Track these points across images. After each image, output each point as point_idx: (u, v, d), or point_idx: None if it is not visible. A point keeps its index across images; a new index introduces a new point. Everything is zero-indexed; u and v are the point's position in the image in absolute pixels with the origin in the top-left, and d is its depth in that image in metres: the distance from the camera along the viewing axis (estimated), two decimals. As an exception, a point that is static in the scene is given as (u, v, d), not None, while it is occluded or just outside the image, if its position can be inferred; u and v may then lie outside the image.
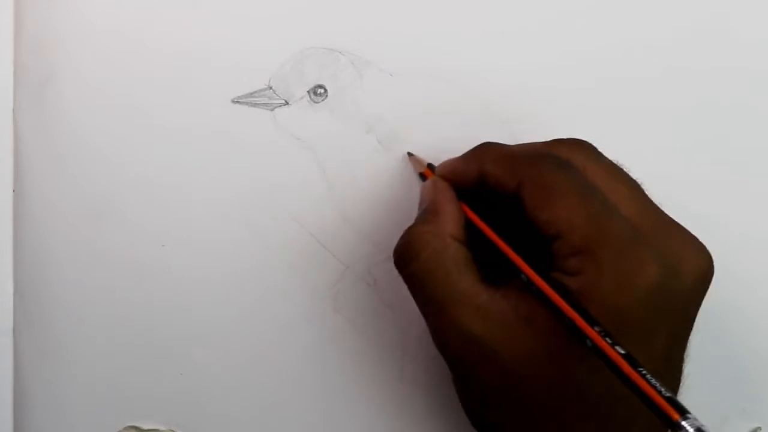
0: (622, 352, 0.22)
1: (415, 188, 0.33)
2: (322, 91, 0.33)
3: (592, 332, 0.23)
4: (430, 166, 0.31)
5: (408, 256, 0.27)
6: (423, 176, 0.31)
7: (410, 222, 0.33)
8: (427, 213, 0.28)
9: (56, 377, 0.34)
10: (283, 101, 0.33)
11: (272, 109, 0.33)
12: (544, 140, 0.28)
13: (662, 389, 0.21)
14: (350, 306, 0.34)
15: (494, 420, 0.27)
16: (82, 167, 0.33)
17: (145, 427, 0.34)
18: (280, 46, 0.33)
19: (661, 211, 0.27)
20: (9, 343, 0.34)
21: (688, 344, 0.27)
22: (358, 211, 0.33)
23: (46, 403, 0.34)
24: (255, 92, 0.33)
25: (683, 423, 0.20)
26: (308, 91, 0.33)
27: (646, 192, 0.27)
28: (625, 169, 0.27)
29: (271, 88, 0.33)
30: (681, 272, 0.25)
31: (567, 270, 0.25)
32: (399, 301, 0.33)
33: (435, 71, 0.33)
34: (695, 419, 0.20)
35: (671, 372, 0.26)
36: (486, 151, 0.28)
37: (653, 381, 0.21)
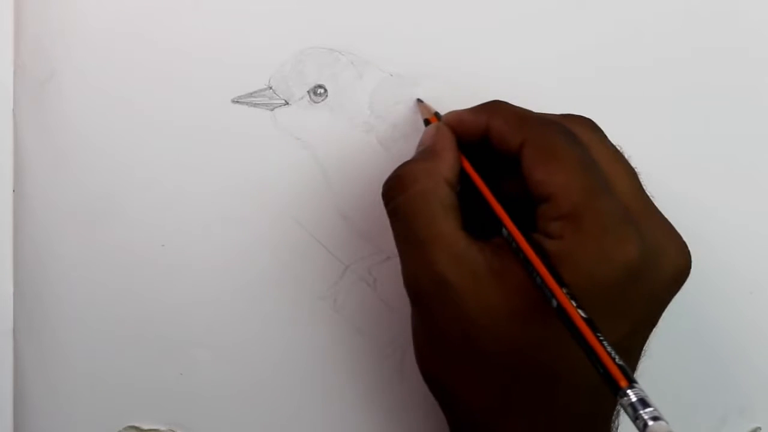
0: (585, 316, 0.22)
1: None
2: (322, 91, 0.33)
3: (560, 292, 0.23)
4: (436, 114, 0.31)
5: (396, 189, 0.27)
6: (427, 122, 0.31)
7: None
8: (425, 153, 0.28)
9: (56, 377, 0.34)
10: (283, 101, 0.33)
11: (272, 109, 0.33)
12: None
13: (616, 357, 0.21)
14: (350, 306, 0.34)
15: (443, 365, 0.27)
16: (83, 167, 0.33)
17: (145, 427, 0.34)
18: (280, 46, 0.33)
19: (652, 203, 0.27)
20: (9, 343, 0.34)
21: (647, 343, 0.27)
22: (358, 211, 0.33)
23: (46, 403, 0.34)
24: (255, 92, 0.33)
25: (629, 391, 0.20)
26: (308, 91, 0.33)
27: (642, 182, 0.27)
28: (626, 157, 0.28)
29: (271, 88, 0.33)
30: (660, 264, 0.26)
31: (549, 232, 0.25)
32: (399, 301, 0.33)
33: (435, 71, 0.33)
34: (641, 390, 0.20)
35: (625, 360, 0.26)
36: (496, 107, 0.28)
37: (609, 348, 0.21)
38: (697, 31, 0.34)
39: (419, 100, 0.33)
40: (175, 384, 0.34)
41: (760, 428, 0.35)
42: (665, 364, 0.30)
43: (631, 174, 0.27)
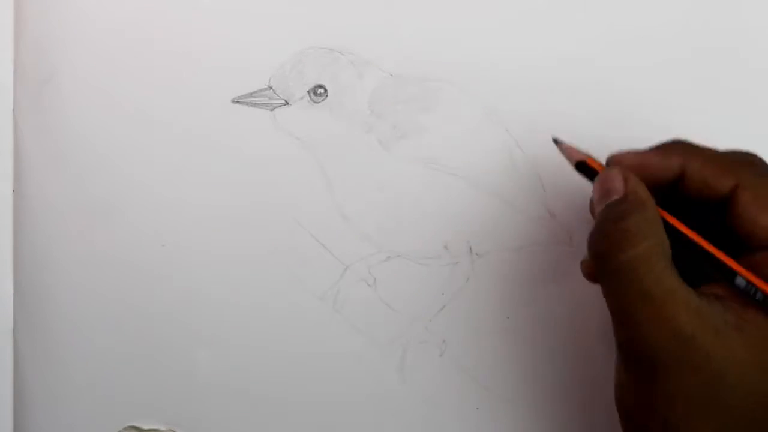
0: None
1: (416, 188, 0.33)
2: (322, 91, 0.33)
3: None
4: (590, 157, 0.29)
5: (621, 243, 0.25)
6: (583, 165, 0.28)
7: (413, 222, 0.33)
8: (634, 203, 0.26)
9: (56, 377, 0.34)
10: (283, 101, 0.33)
11: (272, 109, 0.33)
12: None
13: None
14: (350, 306, 0.34)
15: (685, 426, 0.26)
16: (82, 167, 0.33)
17: (145, 427, 0.34)
18: (280, 46, 0.33)
19: None
20: (9, 343, 0.34)
21: None
22: (358, 211, 0.33)
23: (46, 403, 0.34)
24: (255, 92, 0.33)
25: None
26: (308, 91, 0.33)
27: None
28: None
29: (271, 88, 0.33)
30: None
31: None
32: (399, 301, 0.33)
33: (435, 71, 0.33)
34: None
35: None
36: (690, 148, 0.27)
37: None
38: (697, 31, 0.34)
39: (558, 141, 0.30)
40: (175, 384, 0.34)
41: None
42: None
43: None
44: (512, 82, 0.34)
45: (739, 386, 0.24)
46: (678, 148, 0.27)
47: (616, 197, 0.27)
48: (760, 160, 0.27)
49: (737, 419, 0.25)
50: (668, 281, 0.25)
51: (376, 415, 0.34)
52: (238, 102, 0.33)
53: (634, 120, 0.34)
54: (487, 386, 0.33)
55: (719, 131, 0.34)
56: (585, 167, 0.28)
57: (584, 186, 0.34)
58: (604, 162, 0.28)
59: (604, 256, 0.26)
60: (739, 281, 0.25)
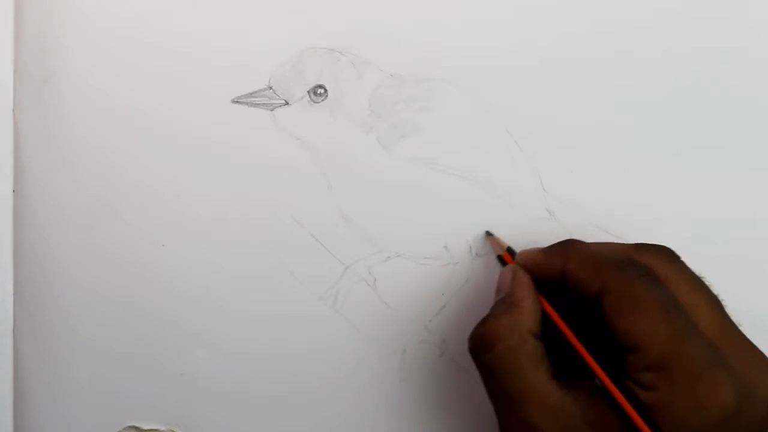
0: None
1: (416, 188, 0.33)
2: (322, 91, 0.33)
3: None
4: (509, 250, 0.31)
5: (482, 347, 0.27)
6: (501, 259, 0.31)
7: (413, 222, 0.33)
8: (505, 305, 0.28)
9: (56, 377, 0.34)
10: (283, 101, 0.33)
11: (272, 109, 0.33)
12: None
13: None
14: (350, 306, 0.34)
15: None
16: (82, 167, 0.33)
17: (145, 427, 0.34)
18: (280, 46, 0.33)
19: (741, 333, 0.27)
20: (9, 344, 0.34)
21: None
22: (358, 211, 0.33)
23: (46, 403, 0.34)
24: (255, 92, 0.33)
25: None
26: (308, 91, 0.33)
27: (725, 310, 0.27)
28: (707, 284, 0.27)
29: (271, 88, 0.33)
30: (755, 399, 0.25)
31: (640, 382, 0.25)
32: (399, 301, 0.33)
33: (435, 71, 0.33)
34: None
35: None
36: (571, 249, 0.28)
37: None
38: (698, 28, 0.34)
39: (489, 233, 0.33)
40: (175, 384, 0.34)
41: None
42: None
43: (715, 304, 0.27)
44: (512, 82, 0.34)
45: None
46: (563, 247, 0.28)
47: (500, 296, 0.29)
48: (654, 257, 0.27)
49: None
50: (526, 381, 0.26)
51: (376, 414, 0.34)
52: (238, 102, 0.33)
53: (634, 120, 0.34)
54: (487, 386, 0.33)
55: (719, 131, 0.34)
56: (503, 261, 0.31)
57: (584, 186, 0.34)
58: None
59: (474, 355, 0.28)
60: (598, 381, 0.26)
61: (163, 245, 0.33)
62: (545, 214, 0.33)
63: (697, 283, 0.27)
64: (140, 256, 0.33)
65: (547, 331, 0.28)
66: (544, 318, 0.28)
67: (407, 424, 0.34)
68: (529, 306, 0.28)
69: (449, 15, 0.33)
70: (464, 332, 0.33)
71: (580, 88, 0.34)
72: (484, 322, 0.28)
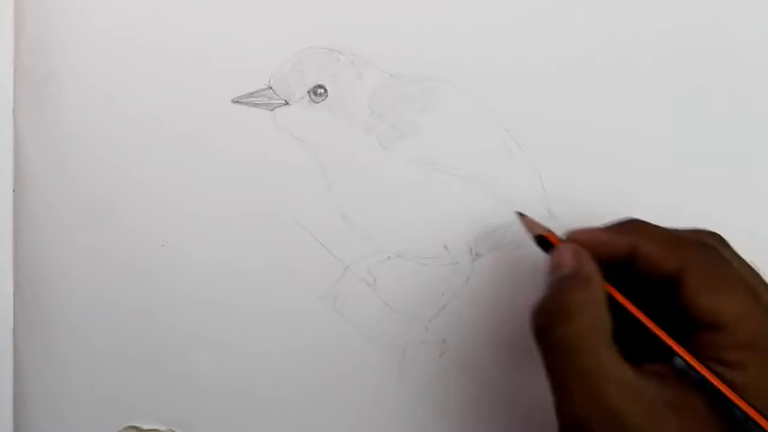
0: None
1: (416, 188, 0.33)
2: (322, 91, 0.33)
3: (766, 423, 0.23)
4: (548, 230, 0.30)
5: (560, 319, 0.26)
6: (541, 239, 0.29)
7: (413, 222, 0.33)
8: (575, 279, 0.27)
9: (56, 377, 0.34)
10: (283, 101, 0.33)
11: (272, 109, 0.33)
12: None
13: None
14: (350, 306, 0.34)
15: None
16: (82, 167, 0.33)
17: (145, 427, 0.34)
18: (280, 46, 0.33)
19: None
20: (9, 343, 0.34)
21: None
22: (358, 211, 0.33)
23: (46, 403, 0.34)
24: (255, 92, 0.33)
25: None
26: (308, 91, 0.33)
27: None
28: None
29: (271, 88, 0.33)
30: None
31: (725, 362, 0.24)
32: (399, 301, 0.33)
33: (435, 71, 0.33)
34: None
35: None
36: (642, 228, 0.28)
37: None
38: (699, 31, 0.34)
39: (522, 215, 0.31)
40: (175, 384, 0.34)
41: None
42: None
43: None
44: (512, 82, 0.34)
45: None
46: (630, 227, 0.28)
47: (564, 272, 0.27)
48: (715, 240, 0.27)
49: None
50: (602, 357, 0.25)
51: (376, 414, 0.34)
52: (238, 102, 0.33)
53: (634, 120, 0.34)
54: (487, 386, 0.33)
55: (719, 131, 0.34)
56: (544, 241, 0.29)
57: (584, 186, 0.34)
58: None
59: (542, 331, 0.26)
60: (677, 361, 0.25)
61: (163, 245, 0.33)
62: (545, 214, 0.33)
63: (752, 266, 0.27)
64: (140, 256, 0.33)
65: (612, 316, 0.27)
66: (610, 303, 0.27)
67: (407, 424, 0.34)
68: (599, 283, 0.27)
69: (449, 15, 0.33)
70: (464, 332, 0.33)
71: (580, 88, 0.34)
72: (552, 298, 0.27)
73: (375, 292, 0.34)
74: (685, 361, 0.25)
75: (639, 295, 0.27)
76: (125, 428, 0.34)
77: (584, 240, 0.28)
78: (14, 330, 0.34)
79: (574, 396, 0.26)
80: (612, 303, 0.27)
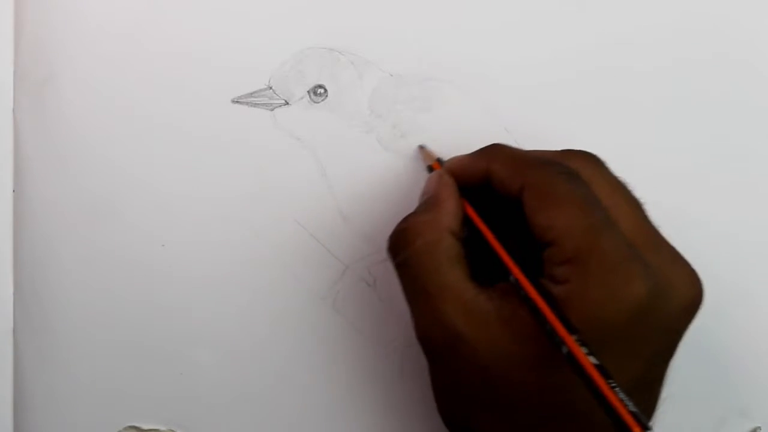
0: (596, 362, 0.22)
1: (416, 188, 0.33)
2: (322, 91, 0.33)
3: (569, 339, 0.23)
4: (439, 160, 0.31)
5: (401, 244, 0.27)
6: (431, 169, 0.31)
7: (410, 222, 0.33)
8: (427, 204, 0.28)
9: (56, 377, 0.34)
10: (283, 101, 0.33)
11: (272, 109, 0.33)
12: (552, 148, 0.28)
13: (629, 403, 0.21)
14: (350, 306, 0.34)
15: (464, 413, 0.27)
16: (82, 167, 0.33)
17: (145, 427, 0.34)
18: (280, 46, 0.33)
19: (659, 234, 0.27)
20: (9, 343, 0.34)
21: (667, 370, 0.27)
22: (358, 211, 0.33)
23: (46, 403, 0.34)
24: (255, 92, 0.33)
25: None
26: (308, 91, 0.33)
27: (647, 212, 0.27)
28: (629, 188, 0.27)
29: (271, 88, 0.33)
30: (670, 296, 0.25)
31: (555, 277, 0.25)
32: (399, 301, 0.33)
33: (435, 71, 0.33)
34: None
35: (646, 394, 0.26)
36: (495, 151, 0.28)
37: (621, 395, 0.21)
38: (701, 34, 0.34)
39: (421, 147, 0.33)
40: (175, 384, 0.34)
41: (759, 428, 0.35)
42: (667, 379, 0.30)
43: (635, 206, 0.27)
44: (512, 82, 0.34)
45: (505, 379, 0.25)
46: (489, 150, 0.28)
47: (424, 198, 0.29)
48: (578, 159, 0.27)
49: (512, 411, 0.25)
50: (442, 277, 0.26)
51: (376, 414, 0.34)
52: (238, 102, 0.33)
53: (634, 120, 0.34)
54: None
55: (719, 132, 0.34)
56: (432, 170, 0.30)
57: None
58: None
59: (390, 254, 0.28)
60: (511, 278, 0.25)
61: (163, 245, 0.33)
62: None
63: (618, 185, 0.27)
64: (140, 256, 0.33)
65: (469, 237, 0.27)
66: (468, 225, 0.28)
67: (407, 424, 0.34)
68: (451, 206, 0.27)
69: (449, 15, 0.33)
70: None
71: (580, 88, 0.34)
72: (404, 220, 0.28)
73: (375, 292, 0.34)
74: (514, 277, 0.25)
75: (502, 217, 0.27)
76: (125, 428, 0.34)
77: (450, 166, 0.29)
78: (14, 330, 0.34)
79: (417, 315, 0.27)
80: (474, 227, 0.27)
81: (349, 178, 0.33)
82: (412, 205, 0.33)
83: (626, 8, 0.34)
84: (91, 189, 0.33)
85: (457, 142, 0.33)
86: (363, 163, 0.33)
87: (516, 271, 0.25)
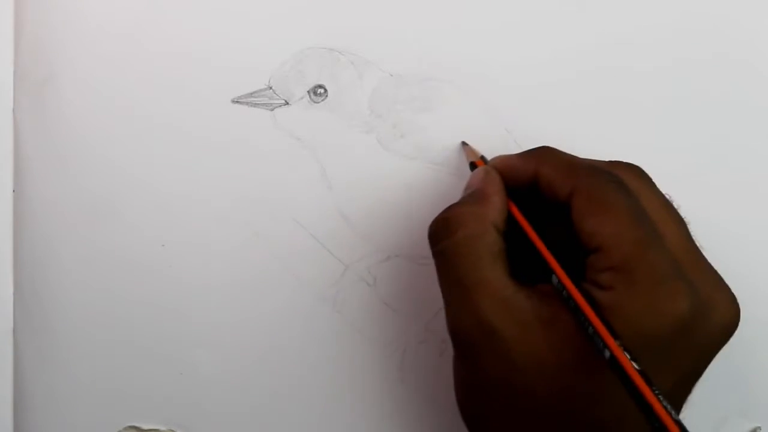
0: (639, 368, 0.22)
1: (416, 188, 0.33)
2: (322, 91, 0.33)
3: (613, 343, 0.23)
4: (482, 157, 0.31)
5: (443, 233, 0.27)
6: (473, 166, 0.31)
7: (409, 222, 0.33)
8: (473, 197, 0.28)
9: (56, 377, 0.34)
10: (283, 101, 0.33)
11: (272, 109, 0.33)
12: (598, 158, 0.28)
13: (672, 411, 0.21)
14: (350, 306, 0.34)
15: (487, 414, 0.26)
16: (82, 167, 0.33)
17: (145, 427, 0.34)
18: (280, 46, 0.33)
19: (703, 256, 0.27)
20: (9, 343, 0.34)
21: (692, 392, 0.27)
22: (358, 211, 0.33)
23: (46, 403, 0.34)
24: (255, 92, 0.33)
25: None
26: (308, 91, 0.33)
27: (690, 232, 0.27)
28: (675, 206, 0.27)
29: (271, 88, 0.33)
30: (710, 316, 0.25)
31: (599, 283, 0.25)
32: (399, 301, 0.33)
33: (435, 71, 0.33)
34: None
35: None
36: (546, 153, 0.28)
37: (665, 402, 0.21)
38: (701, 33, 0.34)
39: (464, 143, 0.33)
40: (175, 384, 0.34)
41: (760, 428, 0.35)
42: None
43: (681, 223, 0.27)
44: (512, 82, 0.34)
45: (537, 382, 0.25)
46: (538, 152, 0.28)
47: (469, 191, 0.28)
48: (625, 171, 0.27)
49: (539, 416, 0.25)
50: (482, 271, 0.26)
51: (376, 414, 0.34)
52: (238, 102, 0.33)
53: (634, 120, 0.34)
54: (487, 386, 0.33)
55: (719, 132, 0.34)
56: (476, 168, 0.30)
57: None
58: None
59: (430, 242, 0.27)
60: (554, 279, 0.25)
61: (163, 245, 0.33)
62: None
63: (666, 201, 0.27)
64: (140, 255, 0.33)
65: (513, 236, 0.27)
66: (512, 224, 0.27)
67: (407, 424, 0.34)
68: (497, 201, 0.27)
69: (449, 15, 0.33)
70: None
71: (580, 88, 0.34)
72: (448, 209, 0.28)
73: (375, 292, 0.34)
74: (558, 278, 0.25)
75: (546, 219, 0.27)
76: (125, 428, 0.34)
77: (497, 164, 0.29)
78: (14, 330, 0.34)
79: (452, 307, 0.26)
80: (516, 226, 0.27)
81: (349, 178, 0.33)
82: (412, 205, 0.33)
83: (626, 8, 0.34)
84: (91, 189, 0.33)
85: (457, 142, 0.33)
86: (363, 163, 0.33)
87: (559, 272, 0.25)
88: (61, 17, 0.33)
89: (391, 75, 0.33)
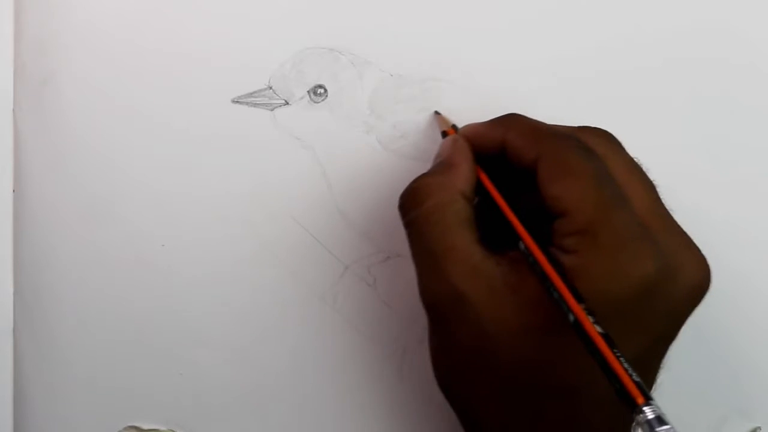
0: (601, 331, 0.22)
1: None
2: (322, 91, 0.33)
3: (577, 307, 0.23)
4: (453, 126, 0.31)
5: (412, 203, 0.27)
6: (444, 134, 0.31)
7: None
8: (441, 166, 0.28)
9: (56, 377, 0.34)
10: (283, 101, 0.33)
11: (272, 109, 0.33)
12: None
13: (633, 373, 0.21)
14: (350, 306, 0.34)
15: (460, 380, 0.27)
16: (82, 167, 0.33)
17: (145, 427, 0.34)
18: (280, 46, 0.33)
19: (671, 217, 0.27)
20: (9, 343, 0.34)
21: (666, 355, 0.27)
22: (358, 211, 0.33)
23: (46, 403, 0.34)
24: (255, 92, 0.33)
25: (645, 408, 0.20)
26: (308, 91, 0.33)
27: (660, 195, 0.27)
28: (644, 169, 0.27)
29: (271, 88, 0.33)
30: (677, 278, 0.25)
31: (564, 247, 0.25)
32: (399, 301, 0.33)
33: (435, 71, 0.33)
34: (658, 407, 0.20)
35: (643, 374, 0.26)
36: (512, 120, 0.28)
37: (626, 364, 0.21)
38: (698, 36, 0.34)
39: (437, 113, 0.33)
40: (175, 384, 0.34)
41: (760, 428, 0.35)
42: (665, 363, 0.30)
43: (649, 186, 0.27)
44: (512, 83, 0.34)
45: (504, 346, 0.25)
46: (505, 119, 0.28)
47: (438, 160, 0.28)
48: (594, 136, 0.27)
49: (509, 380, 0.25)
50: (451, 239, 0.26)
51: (376, 414, 0.34)
52: (238, 102, 0.33)
53: (634, 120, 0.34)
54: (487, 386, 0.33)
55: (720, 132, 0.34)
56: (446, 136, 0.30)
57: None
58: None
59: (401, 212, 0.27)
60: (521, 245, 0.25)
61: (163, 245, 0.33)
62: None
63: (633, 165, 0.27)
64: (140, 255, 0.33)
65: (482, 204, 0.27)
66: (481, 192, 0.28)
67: (407, 424, 0.34)
68: (464, 170, 0.27)
69: (449, 15, 0.33)
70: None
71: (580, 88, 0.34)
72: (416, 180, 0.28)
73: (375, 292, 0.34)
74: (524, 243, 0.25)
75: (516, 187, 0.27)
76: (125, 428, 0.34)
77: (466, 132, 0.29)
78: (14, 330, 0.34)
79: (423, 276, 0.27)
80: (487, 194, 0.27)
81: (349, 178, 0.33)
82: (412, 205, 0.33)
83: (626, 9, 0.34)
84: (91, 189, 0.33)
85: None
86: (363, 163, 0.33)
87: (526, 238, 0.25)
88: (61, 18, 0.33)
89: (391, 75, 0.33)
